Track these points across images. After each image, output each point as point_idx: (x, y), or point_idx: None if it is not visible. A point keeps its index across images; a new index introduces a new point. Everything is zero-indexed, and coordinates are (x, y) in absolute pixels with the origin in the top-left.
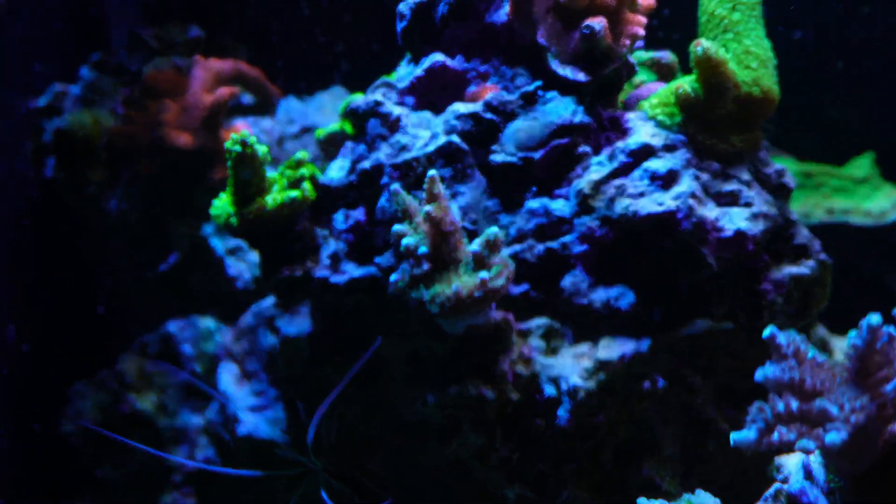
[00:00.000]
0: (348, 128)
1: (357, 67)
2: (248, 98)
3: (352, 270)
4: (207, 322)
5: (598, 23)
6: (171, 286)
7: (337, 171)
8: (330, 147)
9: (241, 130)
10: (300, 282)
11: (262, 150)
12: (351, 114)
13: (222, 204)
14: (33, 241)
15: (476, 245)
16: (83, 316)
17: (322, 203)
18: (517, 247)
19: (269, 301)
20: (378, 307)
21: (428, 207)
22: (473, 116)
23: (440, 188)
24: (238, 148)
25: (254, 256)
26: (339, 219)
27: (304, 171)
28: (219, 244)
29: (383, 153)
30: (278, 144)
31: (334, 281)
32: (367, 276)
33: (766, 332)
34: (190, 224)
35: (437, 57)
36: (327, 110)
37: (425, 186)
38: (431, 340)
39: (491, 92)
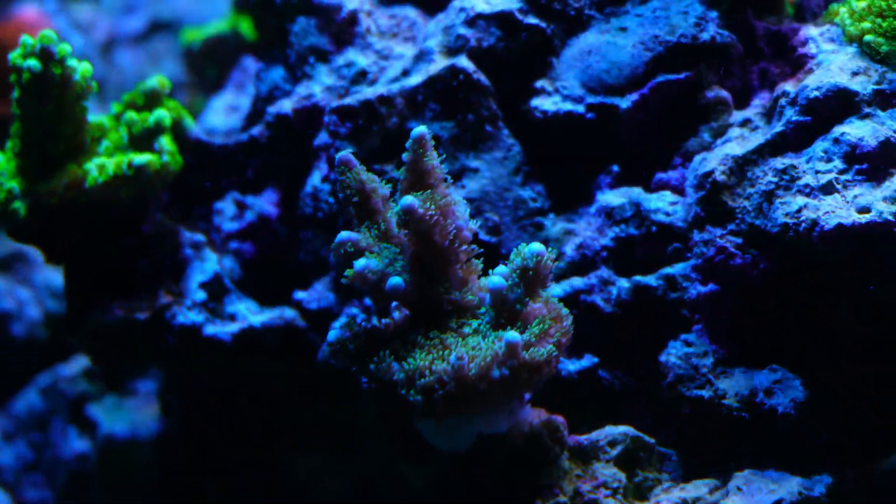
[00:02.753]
0: (247, 29)
1: None
2: None
3: (248, 314)
4: None
5: None
6: None
7: (224, 114)
8: (209, 64)
9: (43, 30)
10: (143, 331)
11: (81, 69)
12: (259, 4)
13: None
14: None
15: (499, 277)
16: None
17: (194, 177)
18: (578, 282)
19: (76, 365)
20: (298, 385)
21: (409, 199)
22: (501, 20)
23: (434, 160)
24: (34, 64)
25: (51, 277)
26: (228, 210)
27: (163, 114)
28: None
29: (320, 85)
30: (103, 54)
31: (211, 333)
32: (277, 325)
33: None
34: None
35: None
36: None
37: (405, 156)
38: (403, 462)
39: None
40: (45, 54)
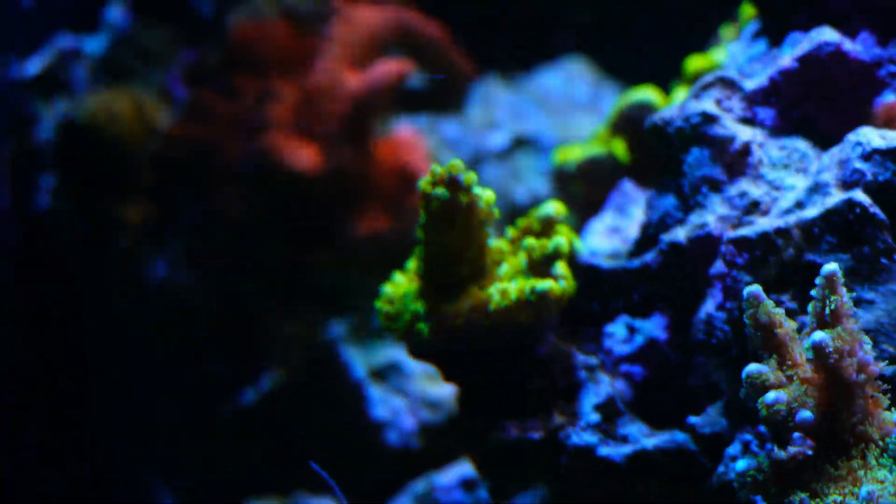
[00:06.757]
0: (619, 151)
1: (605, 23)
2: (416, 78)
3: (640, 436)
4: None
5: None
6: (260, 433)
7: (604, 236)
8: (577, 184)
9: (417, 148)
10: (535, 450)
11: (485, 196)
12: (654, 131)
13: (401, 293)
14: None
15: None
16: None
17: (581, 299)
18: None
19: (452, 474)
20: None
21: (820, 336)
22: None
23: (843, 297)
24: (443, 193)
25: (427, 388)
26: (619, 333)
27: (562, 241)
28: (357, 359)
29: (713, 214)
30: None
31: (605, 454)
32: (669, 448)
33: None
34: (306, 317)
35: (827, 35)
36: (558, 105)
37: (814, 292)
38: None
39: None
40: (453, 183)
